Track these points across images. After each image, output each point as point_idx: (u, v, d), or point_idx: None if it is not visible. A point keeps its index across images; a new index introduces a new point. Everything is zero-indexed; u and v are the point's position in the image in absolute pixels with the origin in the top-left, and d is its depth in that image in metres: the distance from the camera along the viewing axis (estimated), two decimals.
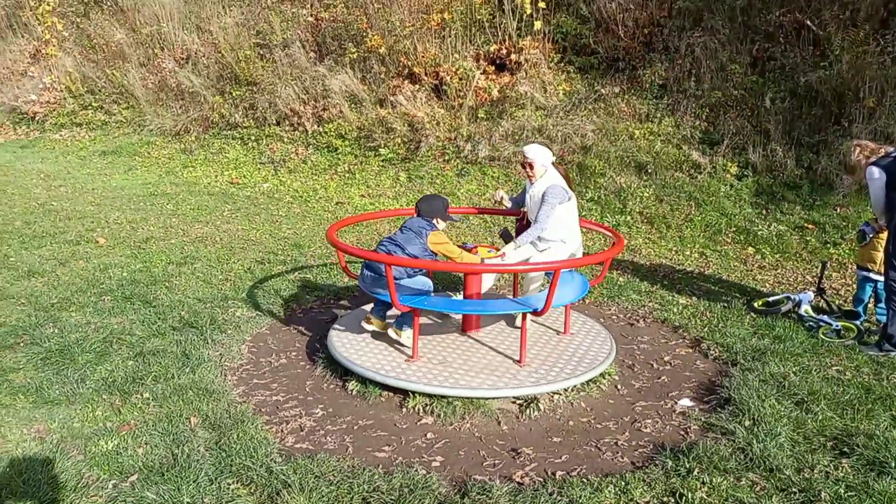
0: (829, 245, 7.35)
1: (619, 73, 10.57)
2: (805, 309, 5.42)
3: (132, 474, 3.23)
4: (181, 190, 10.46)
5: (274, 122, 12.16)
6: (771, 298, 5.75)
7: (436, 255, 4.53)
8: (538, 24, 11.01)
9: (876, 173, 4.77)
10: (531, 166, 4.84)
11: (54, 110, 14.61)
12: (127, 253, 7.06)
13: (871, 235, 5.32)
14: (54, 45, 15.40)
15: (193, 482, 3.18)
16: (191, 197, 9.97)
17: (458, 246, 4.73)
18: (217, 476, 3.24)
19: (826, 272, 6.08)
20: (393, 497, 3.11)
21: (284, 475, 3.24)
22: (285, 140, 11.87)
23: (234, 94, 12.81)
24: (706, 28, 10.12)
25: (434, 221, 4.62)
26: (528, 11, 10.84)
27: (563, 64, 11.04)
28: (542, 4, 10.92)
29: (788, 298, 5.60)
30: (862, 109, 8.40)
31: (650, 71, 10.18)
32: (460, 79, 11.07)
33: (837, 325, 5.11)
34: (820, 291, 5.62)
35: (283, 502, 3.03)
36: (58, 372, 4.30)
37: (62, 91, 14.88)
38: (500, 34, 11.38)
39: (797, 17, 9.62)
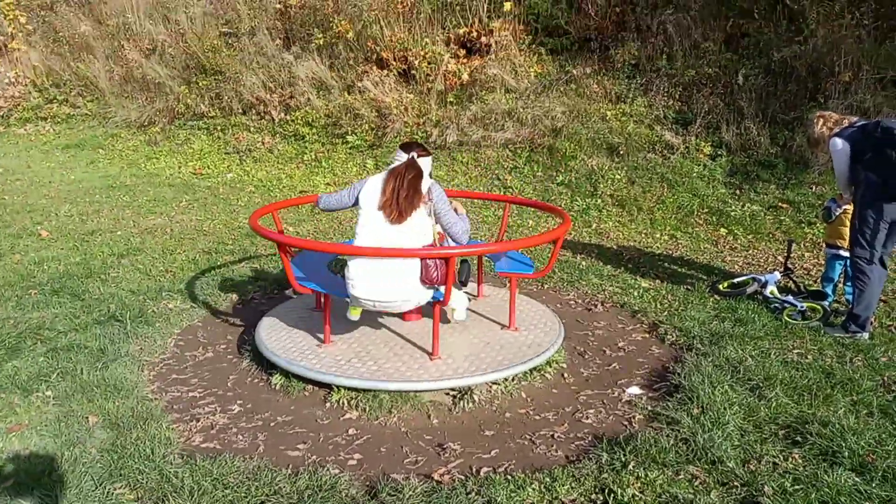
0: (803, 224, 7.06)
1: (591, 53, 10.25)
2: (770, 290, 5.13)
3: (8, 480, 2.93)
4: (141, 182, 10.12)
5: (240, 111, 11.82)
6: (736, 280, 5.45)
7: None
8: (508, 6, 10.68)
9: (839, 144, 4.46)
10: None
11: (19, 104, 14.23)
12: (69, 246, 6.73)
13: (837, 212, 5.03)
14: (20, 39, 14.99)
15: (75, 487, 2.87)
16: (149, 189, 9.64)
17: None
18: (104, 480, 2.94)
19: (792, 250, 5.78)
20: (293, 500, 2.82)
21: (178, 478, 2.94)
22: (251, 129, 11.52)
23: (200, 84, 12.45)
24: (679, 5, 9.79)
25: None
26: None
27: (534, 46, 10.71)
28: None
29: (754, 279, 5.31)
30: (837, 84, 8.10)
31: (622, 51, 9.86)
32: (429, 63, 10.73)
33: (802, 306, 4.82)
34: (786, 271, 5.32)
35: None
36: None
37: (27, 85, 14.49)
38: (470, 17, 11.04)
39: None
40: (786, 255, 5.47)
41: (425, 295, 3.74)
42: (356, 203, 3.81)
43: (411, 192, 3.64)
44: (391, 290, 3.63)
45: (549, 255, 6.61)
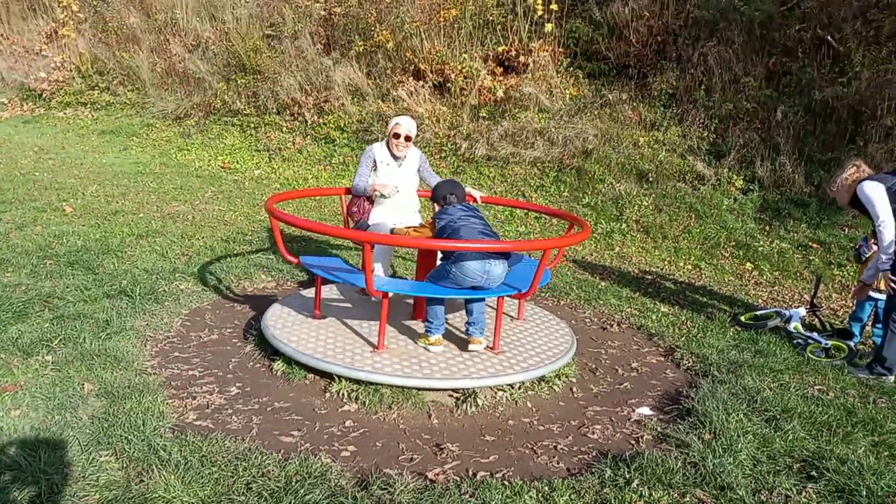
0: (832, 265, 6.85)
1: (629, 79, 10.17)
2: (795, 325, 4.94)
3: None
4: (169, 170, 10.21)
5: (274, 110, 11.91)
6: (759, 312, 5.27)
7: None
8: (549, 27, 10.66)
9: (870, 183, 4.30)
10: (409, 139, 4.57)
11: (61, 88, 14.52)
12: (90, 223, 6.77)
13: (868, 253, 4.85)
14: (70, 26, 15.37)
15: (60, 450, 2.81)
16: (177, 178, 9.71)
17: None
18: (91, 446, 2.87)
19: (820, 287, 5.57)
20: (279, 485, 2.71)
21: (165, 451, 2.86)
22: (284, 129, 11.60)
23: (238, 82, 12.60)
24: (721, 39, 9.69)
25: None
26: (540, 12, 10.51)
27: (571, 69, 10.66)
28: (554, 7, 10.59)
29: (778, 314, 5.12)
30: (879, 128, 7.90)
31: (660, 79, 9.76)
32: (465, 77, 10.74)
33: (827, 344, 4.63)
34: (812, 308, 5.12)
35: (151, 479, 2.64)
36: None
37: (72, 70, 14.81)
38: (510, 36, 11.05)
39: (818, 33, 9.16)
40: (813, 291, 5.28)
41: None
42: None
43: None
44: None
45: (564, 269, 6.49)
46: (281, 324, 4.12)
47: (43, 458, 2.73)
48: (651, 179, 8.59)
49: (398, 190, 4.57)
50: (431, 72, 11.00)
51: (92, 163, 10.41)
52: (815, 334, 4.77)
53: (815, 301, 5.17)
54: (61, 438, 2.89)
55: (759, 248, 7.29)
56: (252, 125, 11.91)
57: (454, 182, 4.10)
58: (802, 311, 5.06)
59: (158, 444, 2.91)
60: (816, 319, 5.12)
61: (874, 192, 4.27)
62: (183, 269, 5.55)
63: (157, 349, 4.06)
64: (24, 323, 4.14)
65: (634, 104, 9.78)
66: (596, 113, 9.80)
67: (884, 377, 4.22)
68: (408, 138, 4.54)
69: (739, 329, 5.09)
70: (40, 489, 2.54)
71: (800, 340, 4.80)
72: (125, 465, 2.76)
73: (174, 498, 2.53)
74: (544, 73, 10.48)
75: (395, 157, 4.61)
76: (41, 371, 3.53)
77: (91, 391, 3.36)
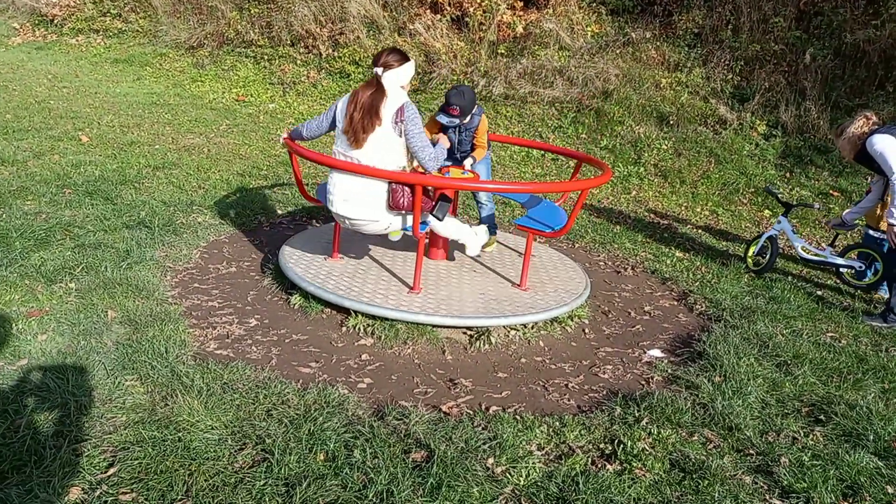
0: None
1: (653, 17, 9.85)
2: (802, 247, 5.07)
3: (23, 359, 2.96)
4: (184, 102, 10.12)
5: (288, 42, 11.68)
6: (755, 251, 5.35)
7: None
8: None
9: (880, 136, 4.23)
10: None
11: (73, 14, 14.28)
12: (107, 153, 6.77)
13: (850, 223, 4.99)
14: None
15: (87, 374, 2.90)
16: (192, 109, 9.63)
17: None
18: (117, 371, 2.96)
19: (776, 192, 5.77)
20: (299, 412, 2.80)
21: (188, 378, 2.95)
22: (298, 62, 11.40)
23: (252, 11, 12.32)
24: None
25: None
26: None
27: (594, 4, 10.33)
28: None
29: (770, 239, 5.22)
30: None
31: (686, 17, 9.45)
32: (484, 12, 10.44)
33: (860, 265, 4.73)
34: (787, 209, 5.33)
35: (175, 403, 2.73)
36: None
37: None
38: None
39: None
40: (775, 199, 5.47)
41: (395, 221, 3.66)
42: (333, 126, 3.69)
43: (366, 114, 3.43)
44: (359, 209, 3.58)
45: (581, 215, 6.47)
46: (295, 257, 4.15)
47: (71, 381, 2.82)
48: (671, 122, 8.43)
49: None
50: (449, 5, 10.69)
51: (106, 92, 10.33)
52: (828, 251, 4.90)
53: (784, 202, 5.34)
54: (87, 363, 2.98)
55: (779, 195, 7.19)
56: (266, 57, 11.70)
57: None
58: (783, 220, 5.21)
59: (181, 371, 3.00)
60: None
61: (886, 145, 4.16)
62: (200, 201, 5.58)
63: (177, 280, 4.13)
64: (46, 250, 4.20)
65: (658, 43, 9.51)
66: (618, 52, 9.55)
67: None
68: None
69: (754, 275, 5.09)
70: (69, 410, 2.63)
71: (842, 266, 4.88)
72: (150, 390, 2.85)
73: (198, 422, 2.61)
74: (566, 9, 10.16)
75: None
76: (65, 298, 3.61)
77: (114, 318, 3.44)
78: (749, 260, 5.29)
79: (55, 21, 14.41)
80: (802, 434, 2.94)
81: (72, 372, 2.89)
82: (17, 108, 8.43)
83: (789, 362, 3.60)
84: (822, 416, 3.10)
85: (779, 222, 5.18)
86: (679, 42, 9.39)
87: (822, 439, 2.91)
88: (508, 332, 3.78)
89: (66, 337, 3.20)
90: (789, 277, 5.23)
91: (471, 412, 2.98)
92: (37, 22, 14.85)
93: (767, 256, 5.10)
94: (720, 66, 8.91)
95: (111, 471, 2.31)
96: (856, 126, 4.42)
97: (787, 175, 7.55)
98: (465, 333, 3.73)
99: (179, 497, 2.22)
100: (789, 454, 2.76)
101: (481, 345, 3.64)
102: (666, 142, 8.26)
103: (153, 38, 13.13)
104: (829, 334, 4.08)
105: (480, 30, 10.41)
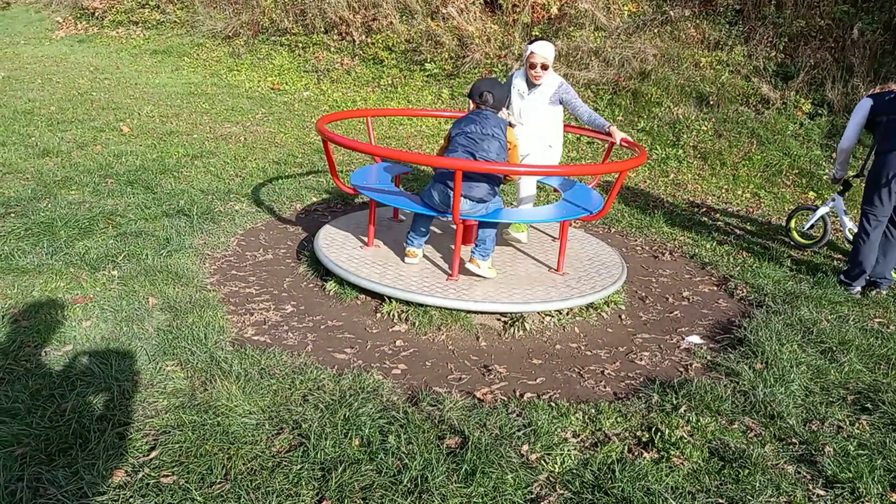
0: None
1: None
2: (850, 229, 4.91)
3: (68, 344, 3.05)
4: (221, 91, 10.26)
5: (322, 30, 11.72)
6: (805, 224, 5.26)
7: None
8: None
9: (861, 105, 4.46)
10: (545, 67, 4.28)
11: (113, 7, 14.56)
12: (147, 143, 6.90)
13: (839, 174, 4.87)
14: None
15: (130, 359, 2.97)
16: (229, 99, 9.76)
17: None
18: (158, 356, 3.02)
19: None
20: (335, 398, 2.82)
21: (227, 363, 3.00)
22: (332, 49, 11.44)
23: (285, 0, 12.39)
24: None
25: (502, 113, 4.17)
26: None
27: None
28: None
29: (815, 209, 5.19)
30: None
31: None
32: None
33: None
34: (846, 187, 5.18)
35: (214, 388, 2.78)
36: (36, 244, 4.16)
37: None
38: None
39: None
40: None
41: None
42: None
43: None
44: None
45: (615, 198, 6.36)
46: (334, 245, 4.18)
47: (114, 366, 2.89)
48: (711, 103, 8.22)
49: (521, 122, 4.41)
50: None
51: (146, 83, 10.52)
52: None
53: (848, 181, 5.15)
54: (130, 348, 3.05)
55: (824, 177, 6.97)
56: (300, 45, 11.77)
57: (495, 81, 3.84)
58: (838, 198, 5.14)
59: (220, 357, 3.05)
60: None
61: (855, 110, 4.49)
62: (237, 189, 5.66)
63: (216, 267, 4.20)
64: (89, 239, 4.31)
65: (697, 21, 9.26)
66: (656, 31, 9.33)
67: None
68: (544, 66, 4.24)
69: (797, 256, 4.96)
70: (113, 395, 2.70)
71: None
72: (190, 375, 2.91)
73: (236, 406, 2.66)
74: None
75: (532, 86, 4.35)
76: (108, 285, 3.70)
77: (155, 305, 3.52)
78: (794, 232, 5.20)
79: (96, 14, 14.74)
80: (848, 423, 2.86)
81: (115, 357, 2.97)
82: (61, 101, 8.65)
83: (834, 349, 3.50)
84: (868, 405, 3.00)
85: (833, 199, 5.05)
86: (720, 19, 9.13)
87: (868, 428, 2.82)
88: (543, 318, 3.75)
89: (110, 323, 3.28)
90: (835, 262, 5.08)
91: (505, 398, 2.97)
92: (79, 15, 15.20)
93: (822, 233, 5.03)
94: (763, 43, 8.64)
95: (153, 454, 2.37)
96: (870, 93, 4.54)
97: (834, 154, 7.30)
98: (499, 320, 3.72)
99: (219, 480, 2.27)
100: (834, 443, 2.68)
101: (515, 331, 3.61)
102: (706, 123, 8.06)
103: (190, 29, 13.32)
104: (877, 320, 3.95)
105: (514, 12, 10.29)
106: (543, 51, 4.23)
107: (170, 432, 2.49)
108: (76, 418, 2.52)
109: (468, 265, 3.83)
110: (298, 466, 2.36)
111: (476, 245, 3.83)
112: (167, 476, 2.27)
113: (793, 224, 5.26)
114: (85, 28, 14.64)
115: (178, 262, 4.07)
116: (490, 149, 3.63)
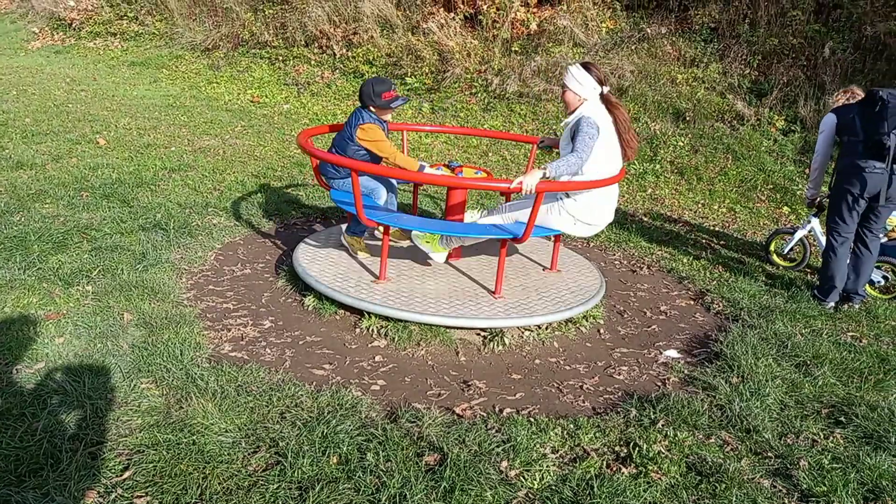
0: None
1: (669, 12, 9.76)
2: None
3: (40, 361, 2.99)
4: (199, 104, 10.19)
5: (303, 43, 11.72)
6: (781, 246, 5.34)
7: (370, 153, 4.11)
8: None
9: (826, 117, 4.54)
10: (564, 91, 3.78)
11: (91, 18, 14.44)
12: (124, 156, 6.83)
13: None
14: None
15: (104, 376, 2.92)
16: (207, 111, 9.70)
17: (444, 164, 4.29)
18: (132, 374, 2.98)
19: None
20: (313, 415, 2.80)
21: (202, 380, 2.96)
22: (312, 63, 11.44)
23: (266, 13, 12.38)
24: None
25: (368, 110, 4.10)
26: None
27: (609, 0, 10.25)
28: None
29: (793, 230, 5.29)
30: None
31: (702, 12, 9.35)
32: (498, 9, 10.40)
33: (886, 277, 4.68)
34: (819, 210, 5.28)
35: (189, 406, 2.75)
36: (8, 258, 4.08)
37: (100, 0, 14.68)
38: None
39: None
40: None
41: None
42: None
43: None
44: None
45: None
46: (313, 259, 4.16)
47: (87, 383, 2.84)
48: (688, 119, 8.35)
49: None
50: (463, 3, 10.68)
51: (123, 95, 10.43)
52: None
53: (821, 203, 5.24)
54: (104, 365, 3.00)
55: (798, 192, 7.10)
56: (280, 58, 11.76)
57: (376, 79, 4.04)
58: (813, 220, 5.24)
59: (196, 374, 3.01)
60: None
61: (822, 123, 4.55)
62: (215, 203, 5.61)
63: (192, 282, 4.15)
64: (63, 253, 4.24)
65: (674, 39, 9.42)
66: (633, 48, 9.47)
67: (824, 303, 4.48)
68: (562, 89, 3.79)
69: (772, 272, 5.03)
70: (86, 413, 2.65)
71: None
72: (165, 393, 2.87)
73: (212, 424, 2.62)
74: (580, 5, 10.11)
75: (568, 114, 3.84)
76: (82, 300, 3.64)
77: (130, 321, 3.47)
78: (774, 255, 5.29)
79: (73, 25, 14.60)
80: (822, 436, 2.90)
81: (88, 375, 2.92)
82: (37, 112, 8.54)
83: (809, 363, 3.55)
84: (842, 418, 3.05)
85: (808, 222, 5.13)
86: (695, 37, 9.29)
87: (842, 441, 2.86)
88: (523, 332, 3.76)
89: (83, 340, 3.23)
90: (808, 277, 5.16)
91: (484, 414, 2.96)
92: (55, 26, 15.05)
93: (802, 256, 5.13)
94: (737, 60, 8.81)
95: (126, 474, 2.33)
96: (834, 99, 4.61)
97: (807, 171, 7.43)
98: (478, 335, 3.72)
99: (193, 500, 2.23)
100: (809, 457, 2.71)
101: (495, 346, 3.62)
102: (682, 138, 8.17)
103: (169, 41, 13.24)
104: (850, 334, 4.01)
105: (494, 27, 10.38)
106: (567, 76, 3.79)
107: (144, 452, 2.44)
108: (48, 438, 2.47)
109: (415, 236, 4.02)
110: (275, 486, 2.33)
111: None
112: (140, 497, 2.23)
113: (772, 247, 5.34)
114: (62, 39, 14.49)
115: (154, 277, 4.02)
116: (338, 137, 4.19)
